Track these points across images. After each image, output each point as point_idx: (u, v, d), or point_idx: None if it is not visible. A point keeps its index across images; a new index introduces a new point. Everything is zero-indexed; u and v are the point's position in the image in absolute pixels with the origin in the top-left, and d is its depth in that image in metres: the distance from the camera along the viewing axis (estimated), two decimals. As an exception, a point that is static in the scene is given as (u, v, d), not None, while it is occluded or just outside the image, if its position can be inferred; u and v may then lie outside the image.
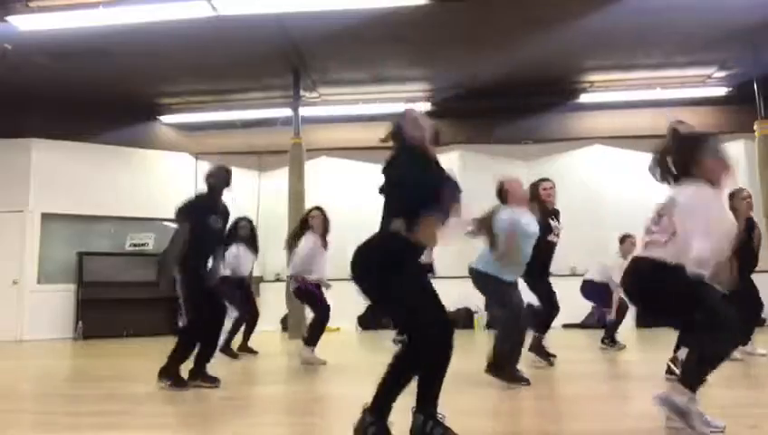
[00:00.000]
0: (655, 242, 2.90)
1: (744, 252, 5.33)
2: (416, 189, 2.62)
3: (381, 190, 2.75)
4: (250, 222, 7.00)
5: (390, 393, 2.57)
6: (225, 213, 4.92)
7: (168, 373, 4.46)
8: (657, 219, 2.94)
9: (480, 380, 4.35)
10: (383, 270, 2.59)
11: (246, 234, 6.86)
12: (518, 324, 4.42)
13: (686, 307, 2.85)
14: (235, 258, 6.72)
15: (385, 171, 2.77)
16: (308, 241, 5.90)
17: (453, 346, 2.65)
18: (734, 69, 9.45)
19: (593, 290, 6.79)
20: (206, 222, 4.67)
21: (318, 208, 6.07)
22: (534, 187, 5.48)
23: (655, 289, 2.91)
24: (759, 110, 9.34)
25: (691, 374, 2.77)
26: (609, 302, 6.65)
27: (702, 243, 2.69)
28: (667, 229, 2.87)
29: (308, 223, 5.99)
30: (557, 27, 7.88)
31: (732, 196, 5.32)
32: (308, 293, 5.97)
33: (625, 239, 6.80)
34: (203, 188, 4.92)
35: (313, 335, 5.92)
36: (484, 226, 4.45)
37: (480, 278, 4.58)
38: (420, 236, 2.59)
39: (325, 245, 5.97)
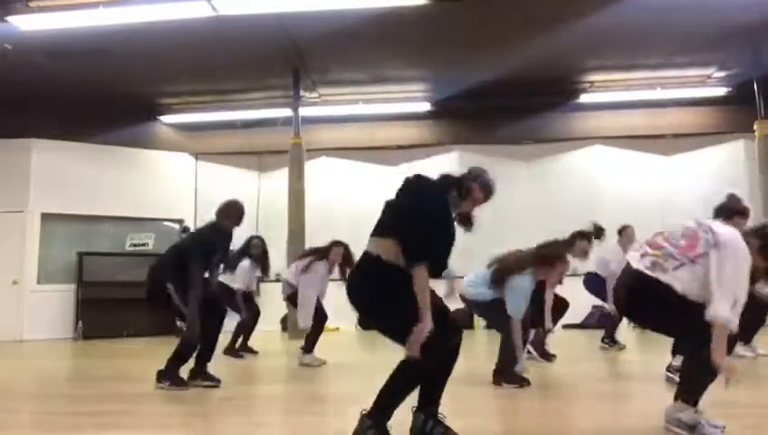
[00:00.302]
0: (660, 265, 2.80)
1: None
2: (426, 238, 2.50)
3: (394, 201, 2.67)
4: (262, 241, 7.02)
5: (392, 402, 2.56)
6: (226, 242, 4.90)
7: (167, 375, 4.47)
8: (675, 239, 2.84)
9: (480, 380, 4.36)
10: (382, 291, 2.55)
11: (258, 253, 6.90)
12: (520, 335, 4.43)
13: (681, 328, 2.84)
14: (245, 273, 6.75)
15: (410, 186, 2.68)
16: (319, 269, 5.90)
17: (458, 354, 2.64)
18: (734, 69, 9.44)
19: (594, 283, 6.77)
20: (209, 259, 4.68)
21: (340, 244, 6.00)
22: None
23: (654, 310, 2.88)
24: (759, 110, 9.34)
25: (690, 389, 2.76)
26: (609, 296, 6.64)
27: (739, 292, 2.64)
28: (678, 254, 2.78)
29: (328, 254, 5.97)
30: (557, 27, 7.87)
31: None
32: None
33: (624, 230, 6.82)
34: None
35: (309, 342, 5.92)
36: (502, 273, 4.40)
37: (476, 306, 4.61)
38: (414, 284, 2.47)
39: (342, 275, 5.88)
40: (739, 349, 5.51)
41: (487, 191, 2.79)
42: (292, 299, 6.10)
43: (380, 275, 2.56)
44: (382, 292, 2.55)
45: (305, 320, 5.83)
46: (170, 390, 4.39)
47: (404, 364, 2.54)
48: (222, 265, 5.19)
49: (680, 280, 2.73)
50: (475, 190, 2.75)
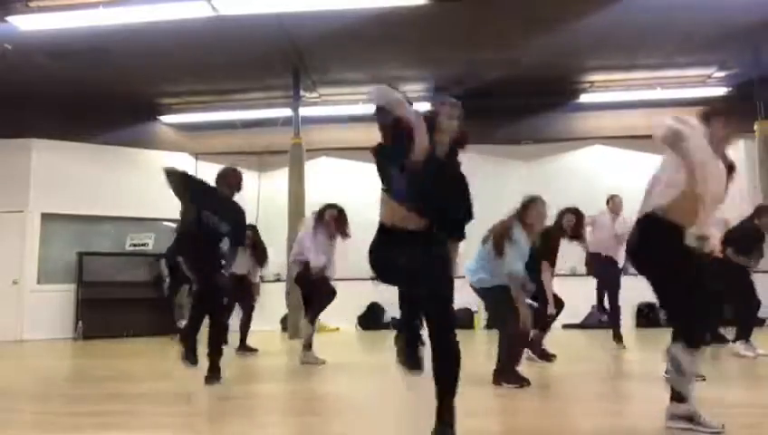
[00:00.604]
0: (648, 198, 2.98)
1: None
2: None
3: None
4: (254, 232, 7.01)
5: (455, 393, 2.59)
6: (232, 212, 4.87)
7: (186, 343, 4.63)
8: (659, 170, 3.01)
9: (480, 380, 4.35)
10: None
11: (248, 244, 6.90)
12: (521, 333, 4.43)
13: (676, 277, 2.87)
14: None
15: None
16: (310, 234, 5.96)
17: (449, 354, 2.60)
18: (734, 69, 9.45)
19: (600, 264, 6.79)
20: (199, 215, 4.71)
21: (335, 208, 6.03)
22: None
23: (656, 253, 2.94)
24: (759, 110, 9.33)
25: (690, 333, 2.80)
26: (616, 280, 6.69)
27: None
28: (655, 180, 2.97)
29: (323, 217, 5.99)
30: (557, 27, 7.88)
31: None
32: (309, 281, 5.94)
33: (611, 199, 7.06)
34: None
35: (312, 313, 5.92)
36: (499, 239, 4.41)
37: (476, 292, 4.61)
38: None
39: (342, 235, 5.96)
40: (740, 348, 5.53)
41: (452, 106, 2.82)
42: (300, 279, 6.03)
43: (383, 237, 2.75)
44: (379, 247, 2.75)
45: (316, 262, 5.84)
46: (181, 359, 4.58)
47: (441, 366, 2.57)
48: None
49: (665, 192, 2.89)
50: (440, 115, 2.78)
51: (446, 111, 2.76)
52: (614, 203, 6.99)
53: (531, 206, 4.57)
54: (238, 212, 4.90)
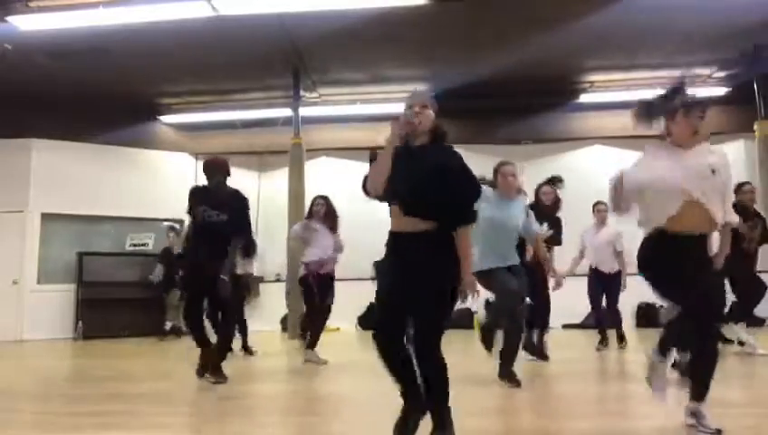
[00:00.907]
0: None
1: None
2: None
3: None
4: None
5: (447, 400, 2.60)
6: (233, 202, 4.82)
7: (201, 349, 4.83)
8: None
9: (479, 379, 4.36)
10: None
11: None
12: (513, 304, 4.39)
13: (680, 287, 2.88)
14: None
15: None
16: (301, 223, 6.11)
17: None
18: (734, 69, 9.45)
19: (598, 280, 6.77)
20: (194, 213, 4.72)
21: (321, 197, 6.06)
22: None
23: (657, 260, 2.96)
24: (759, 110, 9.33)
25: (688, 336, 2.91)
26: (611, 289, 6.69)
27: None
28: None
29: (311, 211, 6.05)
30: (557, 27, 7.87)
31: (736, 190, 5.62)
32: (308, 285, 5.96)
33: (595, 206, 7.07)
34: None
35: (312, 337, 5.95)
36: None
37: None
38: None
39: (333, 230, 5.95)
40: (741, 333, 5.50)
41: (423, 97, 2.90)
42: (302, 281, 6.03)
43: (388, 241, 2.90)
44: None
45: (299, 231, 6.09)
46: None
47: (429, 380, 2.57)
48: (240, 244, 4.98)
49: (656, 219, 2.99)
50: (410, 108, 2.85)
51: (418, 103, 2.82)
52: (597, 210, 6.96)
53: (499, 170, 4.71)
54: (238, 200, 4.85)
